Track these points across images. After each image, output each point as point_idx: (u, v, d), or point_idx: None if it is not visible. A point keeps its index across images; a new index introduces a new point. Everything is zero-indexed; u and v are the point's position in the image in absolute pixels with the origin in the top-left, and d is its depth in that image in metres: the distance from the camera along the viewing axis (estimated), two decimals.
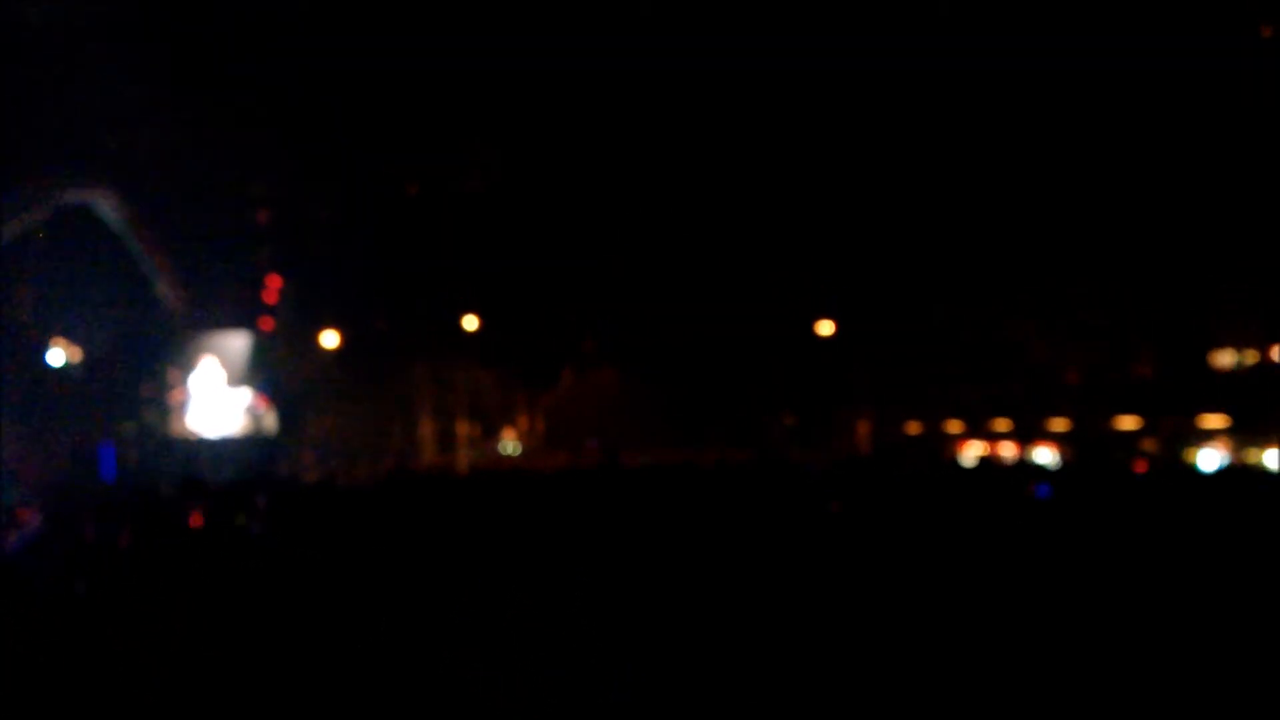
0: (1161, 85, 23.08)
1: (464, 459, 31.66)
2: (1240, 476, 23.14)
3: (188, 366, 25.93)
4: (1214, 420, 28.07)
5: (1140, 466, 22.74)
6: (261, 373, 26.42)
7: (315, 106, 23.13)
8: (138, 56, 20.83)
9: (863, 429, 31.56)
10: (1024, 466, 28.03)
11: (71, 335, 24.82)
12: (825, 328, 29.78)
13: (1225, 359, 28.68)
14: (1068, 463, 28.67)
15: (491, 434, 33.65)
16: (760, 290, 28.22)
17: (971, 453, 30.91)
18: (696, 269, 28.07)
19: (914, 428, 31.87)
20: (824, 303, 29.23)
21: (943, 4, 22.98)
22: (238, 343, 26.25)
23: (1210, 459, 27.36)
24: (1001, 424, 30.86)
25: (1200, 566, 10.06)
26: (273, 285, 27.17)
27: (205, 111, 22.80)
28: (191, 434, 25.80)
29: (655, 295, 28.35)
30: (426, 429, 31.59)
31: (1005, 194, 25.78)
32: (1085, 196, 25.39)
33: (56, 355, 23.97)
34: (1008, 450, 30.58)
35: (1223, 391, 28.14)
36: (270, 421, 26.34)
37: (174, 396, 25.84)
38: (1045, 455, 29.83)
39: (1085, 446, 28.66)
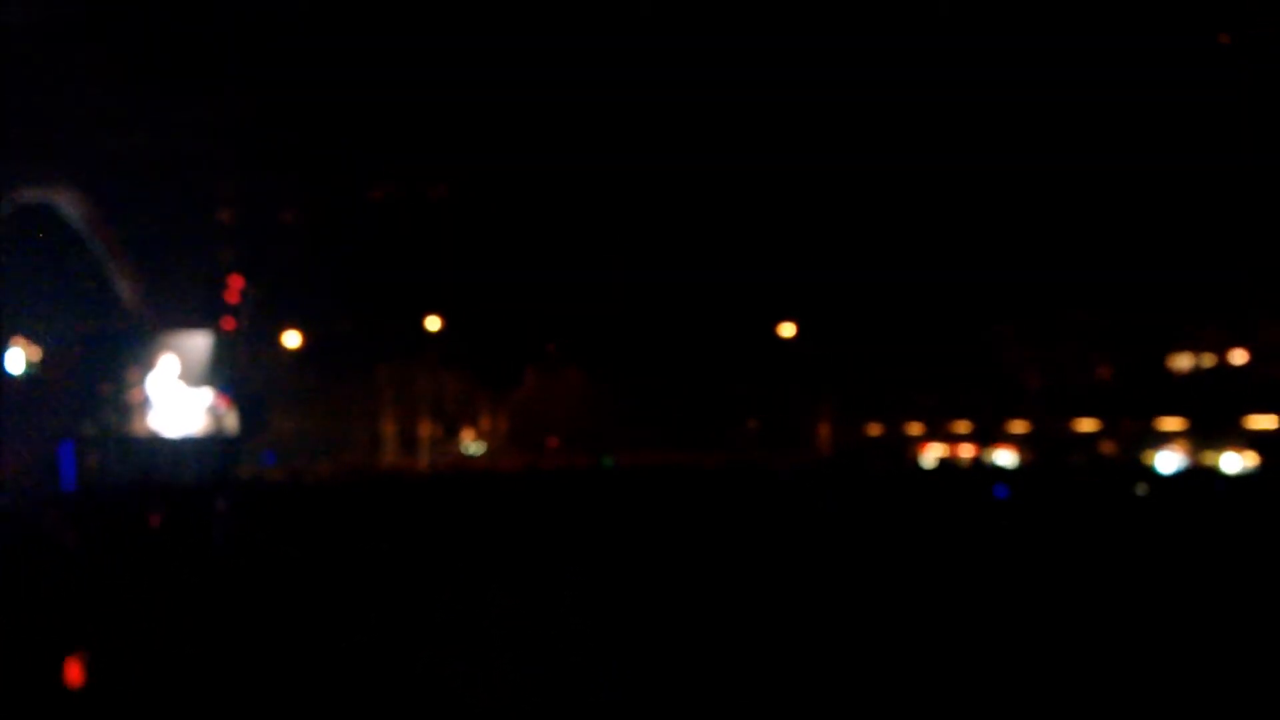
0: (1122, 96, 23.31)
1: (426, 459, 31.59)
2: (1198, 478, 23.40)
3: (149, 366, 25.75)
4: (1172, 423, 28.32)
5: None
6: (223, 373, 26.26)
7: (280, 109, 23.08)
8: (102, 58, 20.73)
9: (825, 431, 31.66)
10: (983, 468, 28.27)
11: (31, 335, 24.63)
12: (787, 330, 29.89)
13: (1183, 362, 28.95)
14: (1027, 464, 28.90)
15: (454, 434, 33.56)
16: (724, 293, 28.31)
17: (932, 454, 31.08)
18: (660, 271, 28.12)
19: (875, 430, 31.99)
20: (787, 305, 29.34)
21: (922, 11, 23.16)
22: (199, 342, 26.08)
23: (1168, 461, 27.61)
24: (962, 426, 31.03)
25: (1159, 566, 10.19)
26: (235, 285, 27.04)
27: (168, 113, 22.70)
28: (152, 434, 25.63)
29: (620, 297, 28.41)
30: (389, 429, 31.49)
31: (967, 200, 25.95)
32: (1046, 202, 25.59)
33: (16, 355, 23.78)
34: (968, 452, 30.77)
35: (1181, 394, 28.41)
36: (232, 421, 26.19)
37: (135, 396, 25.66)
38: (1005, 457, 30.03)
39: (1045, 449, 28.86)
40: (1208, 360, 28.54)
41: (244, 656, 6.83)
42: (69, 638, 6.13)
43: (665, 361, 30.01)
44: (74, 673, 5.60)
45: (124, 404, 25.67)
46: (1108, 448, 28.62)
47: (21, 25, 20.02)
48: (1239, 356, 28.04)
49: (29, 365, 24.60)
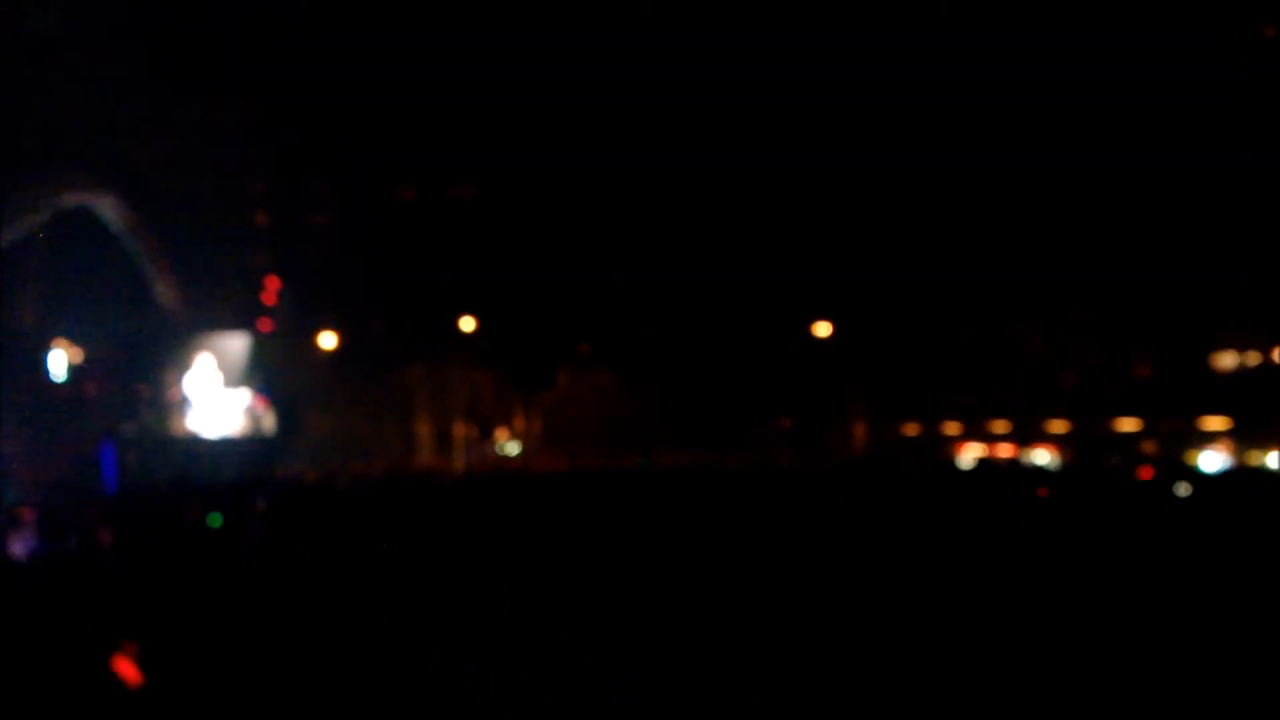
0: (1161, 89, 23.13)
1: (461, 460, 31.66)
2: (1242, 479, 23.16)
3: (187, 367, 25.92)
4: (1215, 422, 28.08)
5: (1145, 472, 22.65)
6: (260, 374, 26.41)
7: (315, 112, 23.19)
8: (140, 61, 20.88)
9: (860, 431, 31.55)
10: (1022, 468, 28.07)
11: (73, 337, 24.83)
12: (822, 329, 29.80)
13: (1227, 361, 28.70)
14: (1066, 465, 28.69)
15: (488, 435, 33.62)
16: (757, 293, 28.26)
17: (970, 455, 30.91)
18: (694, 271, 28.10)
19: (911, 429, 31.85)
20: (822, 305, 29.25)
21: (941, 9, 23.07)
22: (237, 344, 26.24)
23: (1211, 461, 27.37)
24: (1000, 426, 30.85)
25: (1201, 568, 10.07)
26: (271, 287, 27.19)
27: (206, 116, 22.84)
28: (191, 434, 25.79)
29: (653, 298, 28.40)
30: (424, 430, 31.58)
31: (1004, 197, 25.82)
32: (1085, 198, 25.43)
33: (58, 357, 23.98)
34: (1006, 452, 30.58)
35: (1224, 393, 28.16)
36: (269, 422, 26.34)
37: (173, 397, 25.84)
38: (1044, 457, 29.84)
39: (1084, 448, 28.66)
40: (1252, 359, 28.28)
41: (277, 654, 6.86)
42: (110, 636, 6.16)
43: (698, 362, 29.99)
44: (120, 669, 5.64)
45: (163, 405, 25.85)
46: (1149, 447, 28.40)
47: (61, 32, 20.19)
48: None
49: (70, 368, 24.80)
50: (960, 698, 6.73)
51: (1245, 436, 27.23)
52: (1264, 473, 25.40)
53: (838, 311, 29.40)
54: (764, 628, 7.99)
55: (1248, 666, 6.98)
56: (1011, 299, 27.83)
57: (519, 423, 34.35)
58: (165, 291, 25.67)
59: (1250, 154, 23.12)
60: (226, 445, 25.67)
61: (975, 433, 31.09)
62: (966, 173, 25.58)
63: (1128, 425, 28.88)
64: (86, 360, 25.11)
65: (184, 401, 25.87)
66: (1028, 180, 25.43)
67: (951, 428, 31.45)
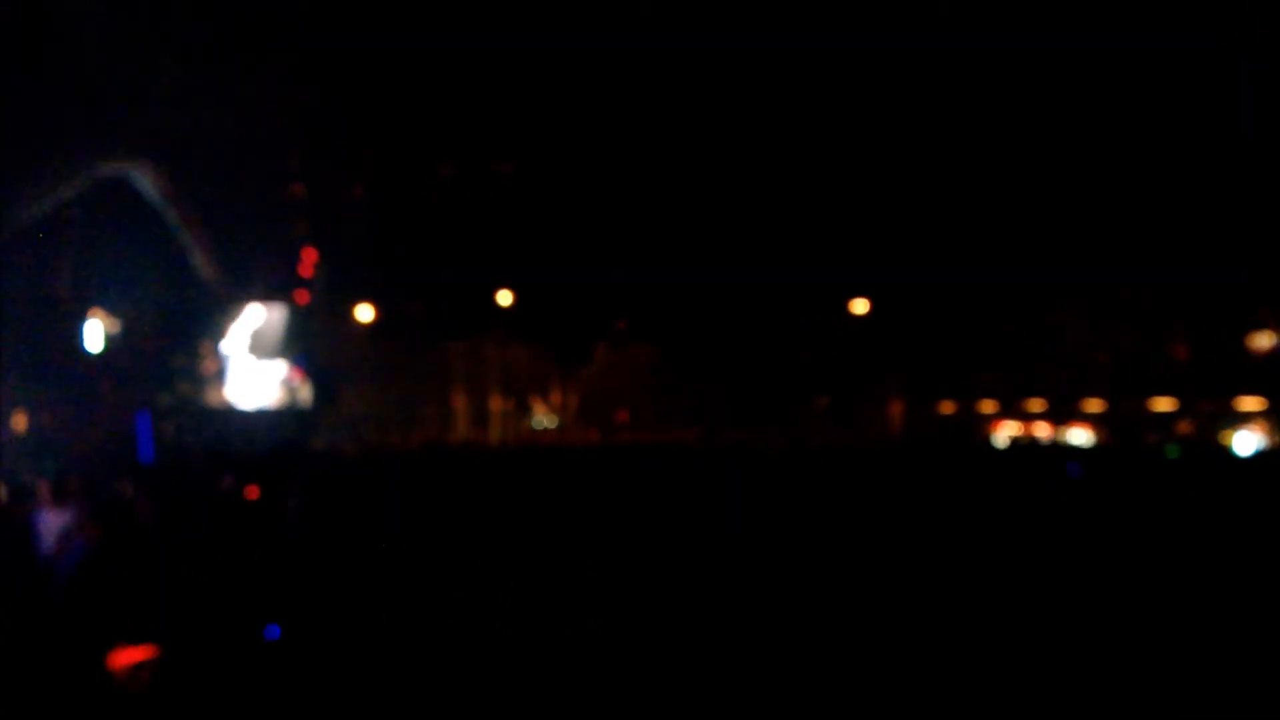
0: (1197, 69, 22.97)
1: (497, 433, 31.77)
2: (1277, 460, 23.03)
3: (224, 338, 26.06)
4: (1251, 403, 27.89)
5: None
6: (297, 345, 26.50)
7: (355, 84, 23.21)
8: (179, 33, 20.93)
9: (896, 410, 31.49)
10: (1058, 447, 27.95)
11: (109, 307, 24.99)
12: (860, 307, 29.72)
13: (1263, 341, 28.48)
14: (1102, 444, 28.57)
15: (525, 409, 33.72)
16: (795, 270, 28.19)
17: (1005, 433, 30.82)
18: (731, 247, 28.05)
19: (948, 408, 31.78)
20: (858, 282, 29.16)
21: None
22: (274, 315, 26.34)
23: (1247, 442, 27.20)
24: (1036, 405, 30.75)
25: (1233, 550, 10.02)
26: (309, 259, 27.26)
27: (245, 87, 22.88)
28: (227, 405, 25.93)
29: (690, 273, 28.36)
30: (460, 403, 31.69)
31: (1040, 176, 25.67)
32: (1120, 178, 25.26)
33: (94, 327, 24.15)
34: (1042, 431, 30.48)
35: (1260, 374, 27.97)
36: (305, 394, 26.45)
37: (210, 368, 25.98)
38: (1079, 436, 29.73)
39: (1120, 428, 28.55)
40: None
41: (316, 624, 6.92)
42: (147, 608, 6.21)
43: (736, 339, 29.95)
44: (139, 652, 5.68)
45: (199, 375, 26.00)
46: (1184, 427, 28.25)
47: (102, 2, 20.28)
48: None
49: (107, 337, 24.98)
50: (986, 675, 6.75)
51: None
52: None
53: (876, 291, 29.32)
54: (797, 605, 8.02)
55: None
56: (1049, 280, 27.69)
57: (555, 397, 34.44)
58: (203, 262, 25.78)
59: None
60: (262, 417, 25.81)
61: (1011, 411, 31.00)
62: (1006, 158, 25.42)
63: (1163, 405, 28.74)
64: (123, 330, 25.29)
65: (220, 372, 26.02)
66: (1066, 164, 25.27)
67: (987, 406, 31.37)
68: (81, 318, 23.51)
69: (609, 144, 26.65)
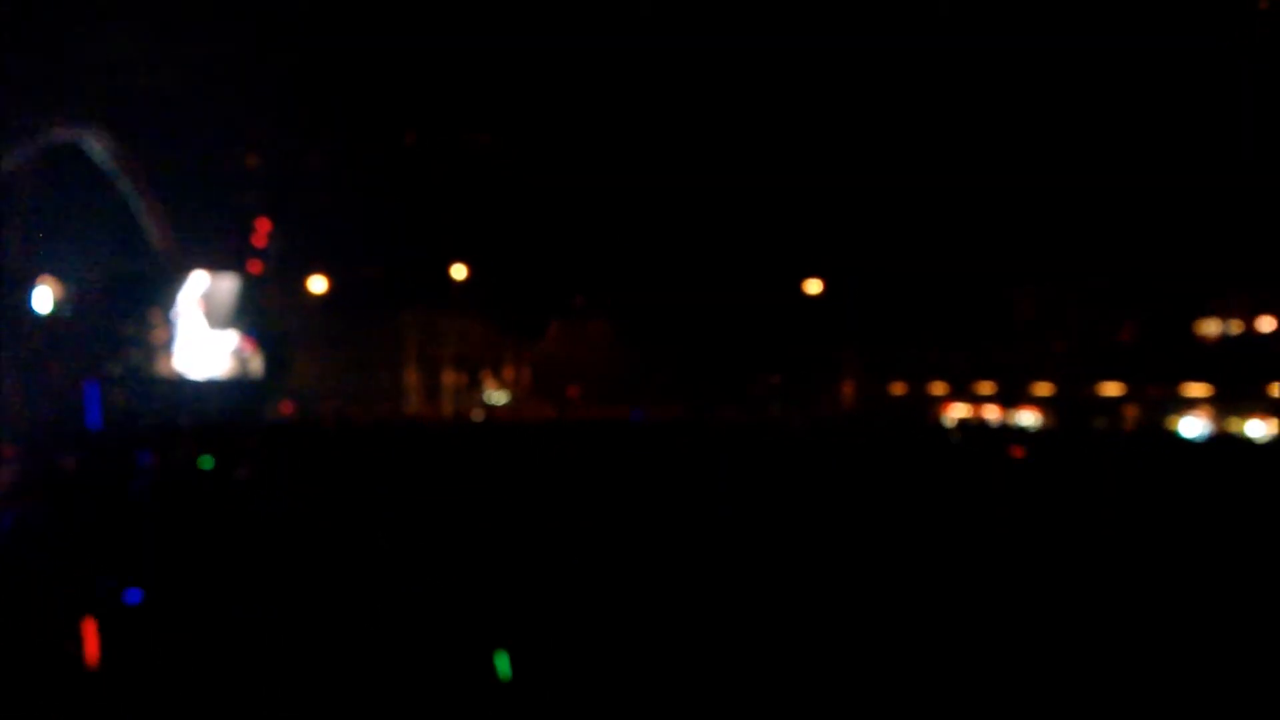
0: (1149, 59, 23.17)
1: (450, 407, 31.69)
2: (1223, 445, 23.32)
3: (174, 308, 25.87)
4: (1197, 389, 28.19)
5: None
6: (248, 316, 26.35)
7: (308, 52, 23.03)
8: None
9: (848, 389, 31.65)
10: (1006, 429, 28.19)
11: (59, 274, 24.76)
12: (813, 287, 29.83)
13: (1210, 328, 28.79)
14: (1049, 427, 28.83)
15: (478, 383, 33.64)
16: (749, 248, 28.26)
17: (955, 414, 31.06)
18: (687, 224, 28.07)
19: (899, 389, 31.97)
20: (812, 262, 29.27)
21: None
22: (225, 285, 26.17)
23: (1193, 427, 27.52)
24: (985, 388, 30.98)
25: (1181, 534, 10.16)
26: (262, 229, 27.08)
27: (197, 54, 22.67)
28: (177, 375, 25.76)
29: (645, 249, 28.37)
30: (413, 377, 31.59)
31: (992, 160, 25.81)
32: (1071, 164, 25.44)
33: (43, 293, 23.93)
34: (991, 414, 30.72)
35: (1207, 360, 28.27)
36: (256, 364, 26.31)
37: (160, 337, 25.78)
38: (1028, 419, 29.99)
39: (1068, 412, 28.80)
40: (1235, 326, 28.39)
41: (270, 594, 6.91)
42: (79, 573, 6.18)
43: (691, 316, 29.98)
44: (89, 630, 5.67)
45: (149, 345, 25.80)
46: (1131, 412, 28.55)
47: None
48: (1267, 324, 27.90)
49: (56, 304, 24.74)
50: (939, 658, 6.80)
51: (1226, 404, 27.39)
52: (1241, 440, 25.58)
53: (830, 270, 29.44)
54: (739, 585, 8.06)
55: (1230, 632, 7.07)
56: (1000, 265, 27.86)
57: (508, 372, 34.38)
58: (154, 230, 25.57)
59: (1237, 128, 23.15)
60: (212, 387, 25.67)
61: (962, 393, 31.23)
62: (957, 136, 25.57)
63: (1111, 390, 29.02)
64: (72, 298, 25.06)
65: (171, 342, 25.83)
66: (1018, 152, 25.43)
67: (938, 388, 31.59)
68: (30, 284, 23.28)
69: (568, 119, 26.61)
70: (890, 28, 23.81)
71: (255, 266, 26.97)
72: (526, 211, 27.97)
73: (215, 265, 26.28)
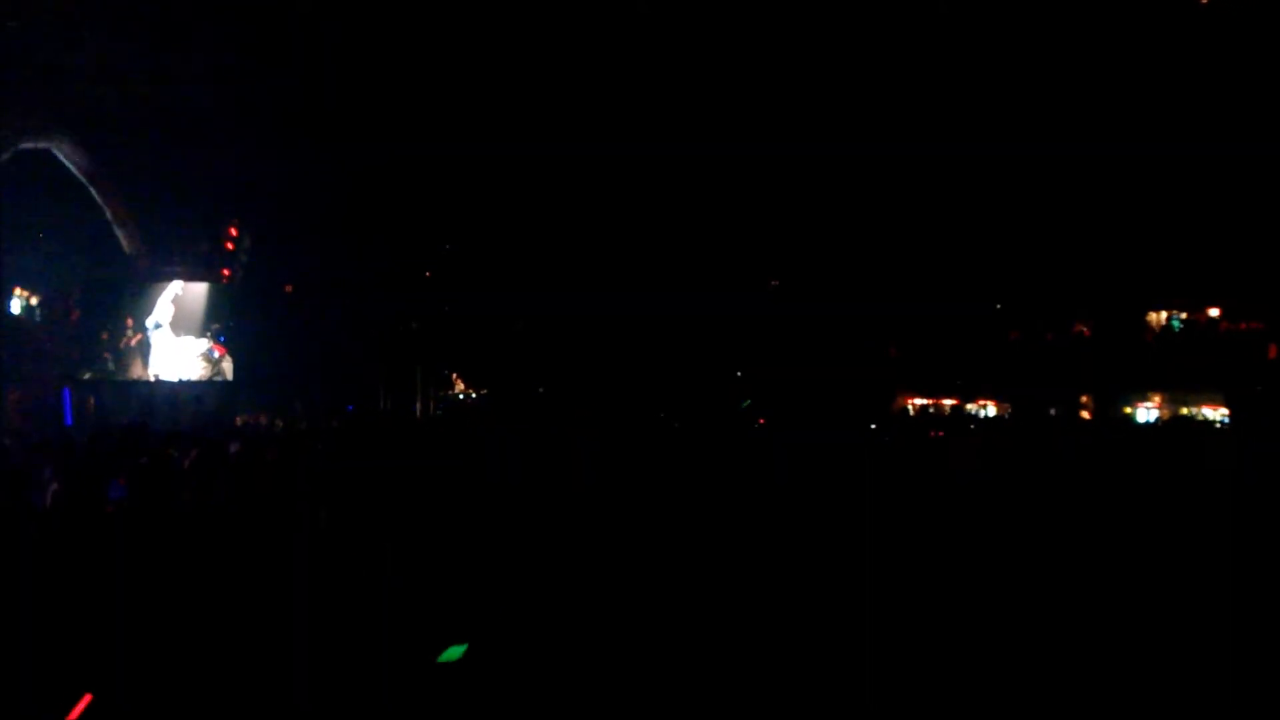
0: (1102, 61, 23.60)
1: (421, 407, 31.97)
2: (1176, 430, 23.86)
3: (147, 313, 25.98)
4: (1151, 380, 28.73)
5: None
6: (220, 321, 26.46)
7: (279, 61, 23.18)
8: (103, 8, 20.88)
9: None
10: (963, 418, 28.68)
11: (31, 281, 24.95)
12: (773, 280, 30.21)
13: (1159, 319, 29.35)
14: (1005, 418, 29.32)
15: (446, 384, 33.92)
16: (712, 247, 28.61)
17: (914, 405, 31.48)
18: (650, 225, 28.38)
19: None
20: (772, 255, 29.62)
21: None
22: (197, 290, 26.28)
23: (1146, 416, 28.11)
24: (945, 380, 31.35)
25: (1139, 519, 10.59)
26: (232, 235, 27.21)
27: (170, 63, 22.81)
28: (149, 380, 25.87)
29: (613, 260, 28.69)
30: (384, 377, 31.80)
31: (953, 156, 26.15)
32: (1028, 159, 25.80)
33: (15, 301, 24.12)
34: (948, 403, 31.15)
35: (1160, 352, 28.77)
36: (227, 368, 26.45)
37: (132, 342, 25.88)
38: (987, 410, 30.48)
39: (1024, 402, 29.23)
40: (1183, 318, 28.97)
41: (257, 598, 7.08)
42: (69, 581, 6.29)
43: (651, 319, 30.23)
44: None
45: (122, 350, 25.90)
46: (1087, 400, 29.06)
47: None
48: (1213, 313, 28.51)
49: (28, 311, 24.92)
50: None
51: (1179, 393, 27.94)
52: (1196, 425, 26.11)
53: (790, 267, 29.80)
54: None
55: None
56: (960, 258, 28.27)
57: (480, 375, 34.67)
58: (125, 237, 25.72)
59: (1187, 125, 23.58)
60: (185, 390, 25.80)
61: (921, 386, 31.65)
62: (918, 137, 25.83)
63: (1067, 381, 29.47)
64: (44, 305, 25.25)
65: (143, 347, 25.94)
66: (978, 147, 25.74)
67: (900, 380, 31.97)
68: (3, 292, 23.41)
69: (539, 122, 26.75)
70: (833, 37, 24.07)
71: (226, 272, 27.11)
72: (497, 218, 28.27)
73: (186, 271, 26.35)
